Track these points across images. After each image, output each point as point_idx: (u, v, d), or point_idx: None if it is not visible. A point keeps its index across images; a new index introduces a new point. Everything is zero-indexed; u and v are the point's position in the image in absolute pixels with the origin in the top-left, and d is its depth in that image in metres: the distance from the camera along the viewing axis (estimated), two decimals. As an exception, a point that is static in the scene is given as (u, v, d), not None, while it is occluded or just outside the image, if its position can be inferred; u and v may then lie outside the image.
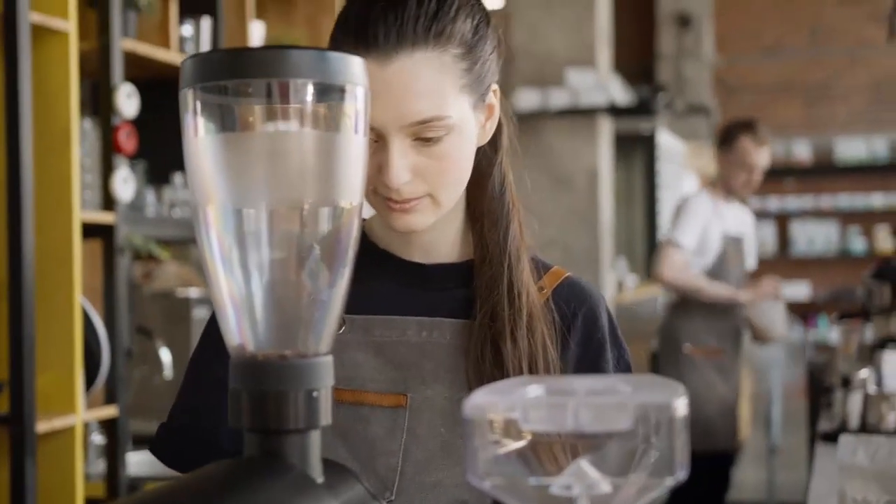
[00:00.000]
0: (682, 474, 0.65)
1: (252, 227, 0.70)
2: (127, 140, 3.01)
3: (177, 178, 3.40)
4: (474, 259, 1.25)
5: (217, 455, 0.86)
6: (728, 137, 4.40)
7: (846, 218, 9.91)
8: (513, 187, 1.27)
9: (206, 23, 3.46)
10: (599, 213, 6.31)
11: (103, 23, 2.99)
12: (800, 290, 9.79)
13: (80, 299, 2.80)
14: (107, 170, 3.00)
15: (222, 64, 0.69)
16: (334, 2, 4.09)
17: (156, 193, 3.34)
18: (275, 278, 0.71)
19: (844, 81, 9.92)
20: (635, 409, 0.64)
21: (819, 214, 9.94)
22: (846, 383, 2.82)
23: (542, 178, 6.13)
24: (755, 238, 4.70)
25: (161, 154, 3.16)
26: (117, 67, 3.00)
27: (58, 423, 2.73)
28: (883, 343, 3.14)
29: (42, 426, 2.67)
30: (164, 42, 3.30)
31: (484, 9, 1.22)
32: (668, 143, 8.31)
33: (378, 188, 1.16)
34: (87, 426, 3.07)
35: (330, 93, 0.70)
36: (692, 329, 4.32)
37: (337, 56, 0.70)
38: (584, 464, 0.66)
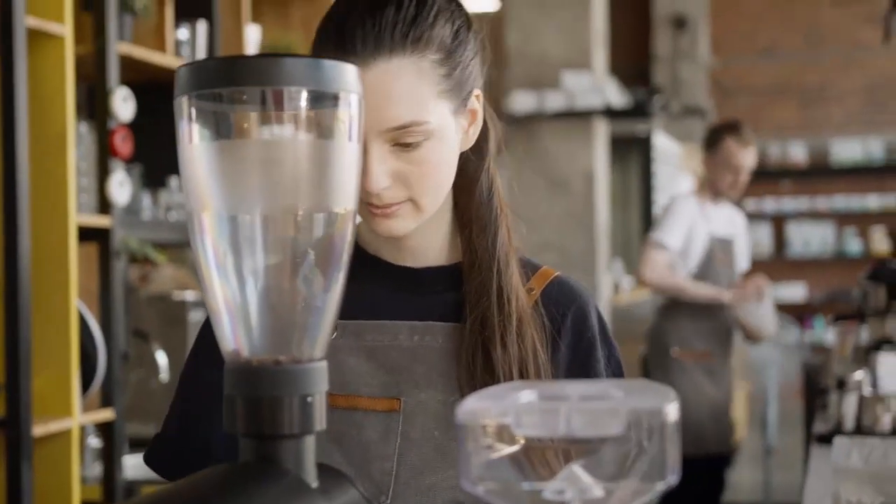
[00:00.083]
0: (673, 479, 0.66)
1: (247, 233, 0.71)
2: (123, 143, 3.02)
3: (173, 181, 3.40)
4: (463, 264, 1.25)
5: (211, 464, 0.87)
6: (713, 139, 4.41)
7: (842, 219, 9.92)
8: (500, 192, 1.28)
9: (201, 26, 3.46)
10: (595, 215, 6.31)
11: (99, 26, 2.99)
12: (796, 291, 9.80)
13: (76, 302, 2.80)
14: (103, 173, 3.00)
15: (217, 71, 0.70)
16: (330, 5, 4.08)
17: (152, 197, 3.34)
18: (269, 284, 0.71)
19: (840, 83, 9.93)
20: (627, 414, 0.65)
21: (815, 216, 9.95)
22: (841, 385, 2.83)
23: (538, 180, 6.13)
24: (747, 239, 4.70)
25: (157, 157, 3.16)
26: (113, 71, 3.00)
27: (54, 426, 2.73)
28: (878, 345, 3.14)
29: (38, 429, 2.67)
30: (160, 46, 3.30)
31: (465, 14, 1.22)
32: (664, 144, 8.32)
33: (360, 193, 1.17)
34: (83, 429, 3.07)
35: (324, 100, 0.71)
36: (680, 332, 4.33)
37: (331, 64, 0.71)
38: (577, 468, 0.66)
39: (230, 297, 0.71)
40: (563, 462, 0.67)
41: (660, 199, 8.06)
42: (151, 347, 3.29)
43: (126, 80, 3.09)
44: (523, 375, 1.19)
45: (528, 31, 6.36)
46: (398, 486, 1.18)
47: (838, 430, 2.65)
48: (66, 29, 2.77)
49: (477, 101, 1.24)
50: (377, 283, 1.25)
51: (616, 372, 1.28)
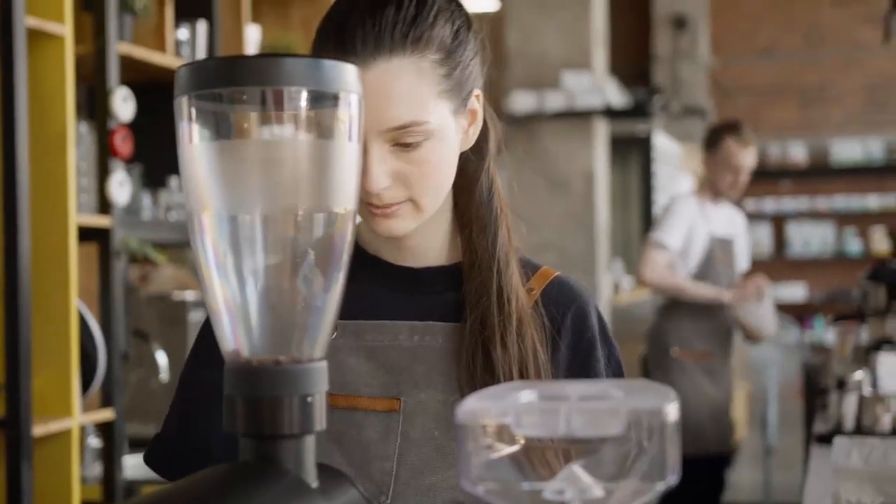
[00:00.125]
0: (673, 479, 0.66)
1: (247, 233, 0.71)
2: (123, 143, 3.02)
3: (173, 181, 3.40)
4: (463, 264, 1.25)
5: (211, 464, 0.87)
6: (713, 139, 4.41)
7: (842, 219, 9.92)
8: (501, 192, 1.28)
9: (201, 26, 3.46)
10: (595, 215, 6.31)
11: (99, 27, 2.99)
12: (796, 291, 9.80)
13: (76, 302, 2.80)
14: (103, 173, 3.00)
15: (217, 72, 0.70)
16: (330, 5, 4.08)
17: (152, 197, 3.34)
18: (269, 284, 0.71)
19: (840, 83, 9.93)
20: (627, 414, 0.65)
21: (815, 216, 9.95)
22: (841, 385, 2.82)
23: (538, 180, 6.13)
24: (748, 239, 4.70)
25: (157, 157, 3.16)
26: (113, 71, 3.00)
27: (54, 426, 2.73)
28: (878, 345, 3.14)
29: (38, 429, 2.67)
30: (160, 46, 3.30)
31: (465, 14, 1.22)
32: (663, 144, 8.32)
33: (360, 193, 1.17)
34: (83, 429, 3.07)
35: (324, 100, 0.71)
36: (680, 332, 4.33)
37: (331, 64, 0.71)
38: (577, 468, 0.66)
39: (230, 297, 0.71)
40: (563, 462, 0.67)
41: (660, 199, 8.07)
42: (151, 347, 3.29)
43: (126, 80, 3.09)
44: (523, 375, 1.19)
45: (528, 31, 6.36)
46: (398, 486, 1.18)
47: (838, 430, 2.65)
48: (66, 29, 2.77)
49: (477, 101, 1.24)
50: (377, 283, 1.25)
51: (616, 372, 1.28)
